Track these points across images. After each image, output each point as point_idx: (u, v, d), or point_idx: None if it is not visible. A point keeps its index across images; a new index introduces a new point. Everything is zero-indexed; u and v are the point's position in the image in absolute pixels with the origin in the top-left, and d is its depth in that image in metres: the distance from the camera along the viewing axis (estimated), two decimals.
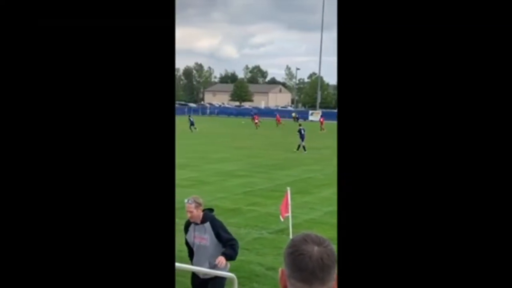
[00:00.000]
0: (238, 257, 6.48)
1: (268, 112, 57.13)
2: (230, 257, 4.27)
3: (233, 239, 4.34)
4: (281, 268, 1.32)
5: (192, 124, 32.34)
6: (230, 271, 4.54)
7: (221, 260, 4.15)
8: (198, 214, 4.36)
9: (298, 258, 1.27)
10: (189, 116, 35.72)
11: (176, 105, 69.86)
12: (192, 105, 73.64)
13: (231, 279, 4.36)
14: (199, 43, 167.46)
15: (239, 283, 4.56)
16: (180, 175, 12.93)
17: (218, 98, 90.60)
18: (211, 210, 4.59)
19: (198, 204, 4.37)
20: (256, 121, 39.36)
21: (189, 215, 4.36)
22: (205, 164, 15.59)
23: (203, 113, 64.17)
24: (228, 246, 4.29)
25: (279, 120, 42.42)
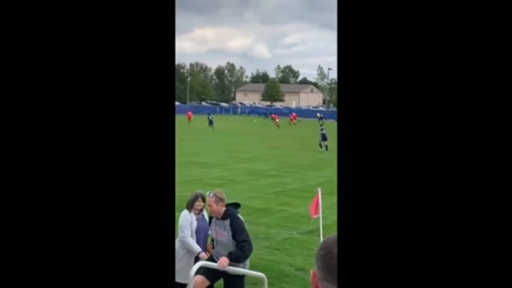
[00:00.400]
0: (268, 257, 6.51)
1: (299, 112, 56.95)
2: (235, 258, 4.13)
3: (245, 241, 4.21)
4: (313, 270, 1.32)
5: (211, 122, 34.15)
6: (260, 270, 4.55)
7: (223, 261, 4.04)
8: (218, 209, 4.28)
9: (331, 261, 1.28)
10: (208, 115, 37.30)
11: (208, 104, 70.83)
12: (224, 104, 74.23)
13: (261, 279, 4.36)
14: (231, 43, 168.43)
15: (269, 283, 4.55)
16: (211, 174, 13.04)
17: (249, 98, 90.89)
18: (237, 206, 4.50)
19: (218, 199, 4.27)
20: (277, 120, 40.38)
21: (208, 208, 4.33)
22: (235, 163, 15.65)
23: (234, 113, 64.54)
24: (237, 247, 4.17)
25: (293, 119, 43.16)
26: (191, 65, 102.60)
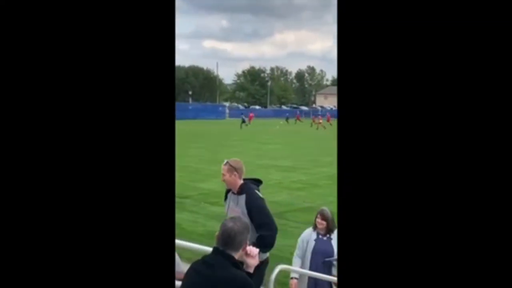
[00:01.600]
0: None
1: None
2: (260, 250, 3.21)
3: (265, 225, 3.37)
4: None
5: (243, 121, 38.61)
6: None
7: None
8: (232, 180, 3.52)
9: None
10: (242, 115, 41.95)
11: (288, 108, 70.92)
12: (304, 108, 73.96)
13: None
14: (311, 46, 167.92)
15: None
16: (290, 177, 13.09)
17: (330, 101, 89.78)
18: (258, 182, 3.71)
19: (232, 168, 3.50)
20: (321, 121, 40.37)
21: (222, 178, 3.62)
22: (315, 167, 15.60)
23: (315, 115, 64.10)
24: (258, 237, 3.31)
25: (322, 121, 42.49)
26: (272, 69, 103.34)
